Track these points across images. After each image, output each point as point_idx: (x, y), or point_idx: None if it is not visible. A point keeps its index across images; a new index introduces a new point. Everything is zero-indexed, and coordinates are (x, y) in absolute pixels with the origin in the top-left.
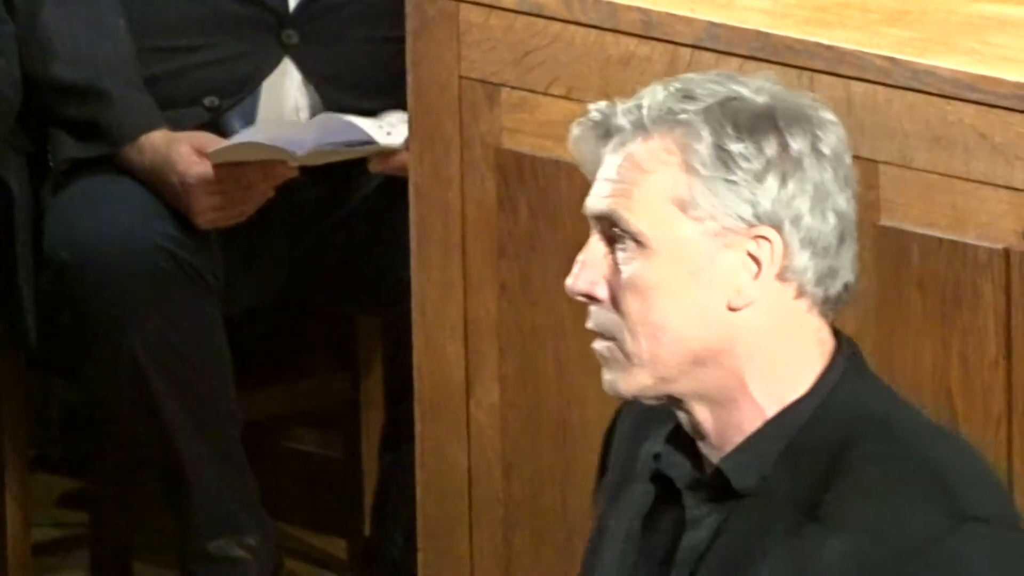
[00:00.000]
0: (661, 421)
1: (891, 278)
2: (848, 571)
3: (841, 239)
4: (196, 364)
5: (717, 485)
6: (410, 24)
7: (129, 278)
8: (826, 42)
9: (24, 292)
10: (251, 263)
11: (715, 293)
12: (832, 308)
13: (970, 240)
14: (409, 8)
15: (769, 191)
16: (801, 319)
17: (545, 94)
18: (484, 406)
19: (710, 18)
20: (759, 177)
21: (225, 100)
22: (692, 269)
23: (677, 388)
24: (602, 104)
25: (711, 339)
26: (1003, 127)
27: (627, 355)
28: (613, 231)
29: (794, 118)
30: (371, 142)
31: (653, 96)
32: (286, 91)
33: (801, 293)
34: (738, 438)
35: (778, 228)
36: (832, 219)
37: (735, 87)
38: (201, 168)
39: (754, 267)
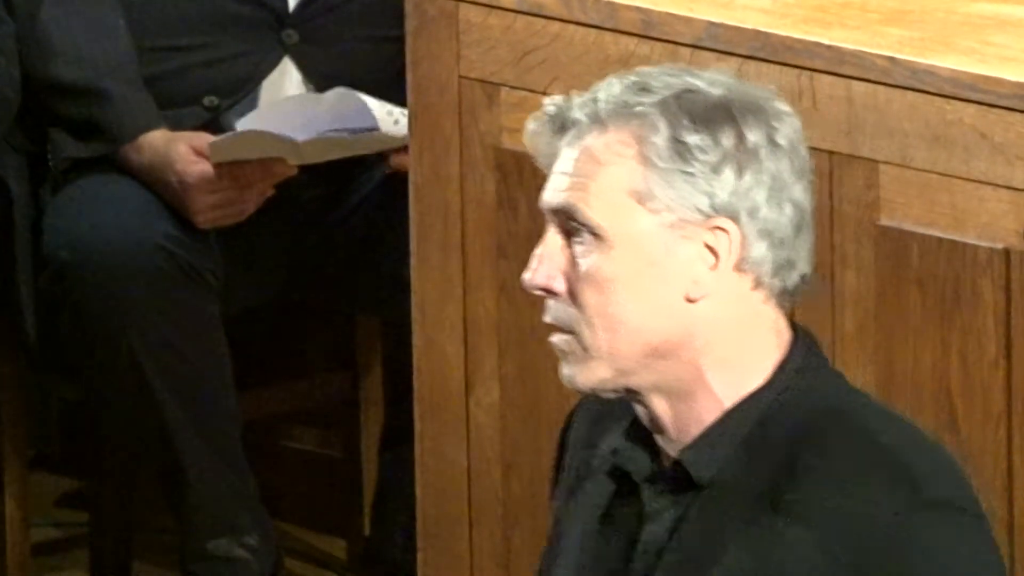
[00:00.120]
0: (618, 418)
1: (891, 278)
2: (810, 560)
3: (798, 230)
4: (196, 364)
5: (676, 477)
6: (409, 24)
7: (128, 278)
8: (826, 42)
9: (24, 292)
10: (251, 263)
11: (673, 285)
12: (789, 299)
13: (970, 240)
14: (408, 8)
15: (726, 182)
16: (758, 310)
17: (545, 94)
18: (484, 406)
19: (710, 18)
20: (716, 169)
21: (225, 100)
22: (650, 261)
23: (635, 381)
24: (558, 98)
25: (669, 331)
26: (1003, 127)
27: (585, 348)
28: (570, 224)
29: (750, 110)
30: (375, 128)
31: (609, 89)
32: (286, 91)
33: (758, 284)
34: (697, 430)
35: (735, 219)
36: (789, 210)
37: (690, 79)
38: (200, 167)
39: (711, 258)
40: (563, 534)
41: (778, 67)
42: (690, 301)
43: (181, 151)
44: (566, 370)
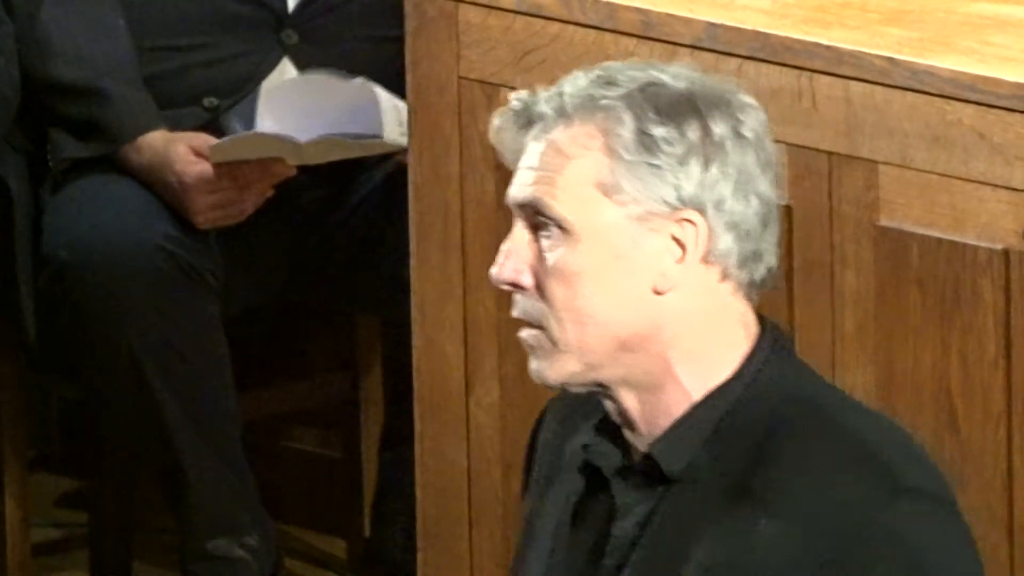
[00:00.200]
0: (588, 415)
1: (891, 278)
2: (783, 550)
3: (764, 222)
4: (195, 364)
5: (647, 471)
6: (409, 24)
7: (128, 278)
8: (825, 42)
9: (23, 292)
10: (250, 263)
11: (640, 277)
12: (756, 292)
13: (970, 240)
14: (408, 8)
15: (692, 175)
16: (726, 302)
17: None
18: (484, 406)
19: (709, 18)
20: (682, 161)
21: (224, 100)
22: (617, 254)
23: (604, 375)
24: (523, 93)
25: (637, 323)
26: (1002, 127)
27: (554, 342)
28: (537, 219)
29: (714, 103)
30: (378, 136)
31: (574, 83)
32: None
33: (725, 276)
34: (666, 423)
35: (702, 212)
36: (755, 202)
37: (655, 73)
38: (200, 168)
39: (678, 251)
40: (535, 532)
41: (778, 67)
42: (658, 293)
43: (181, 151)
44: (535, 364)
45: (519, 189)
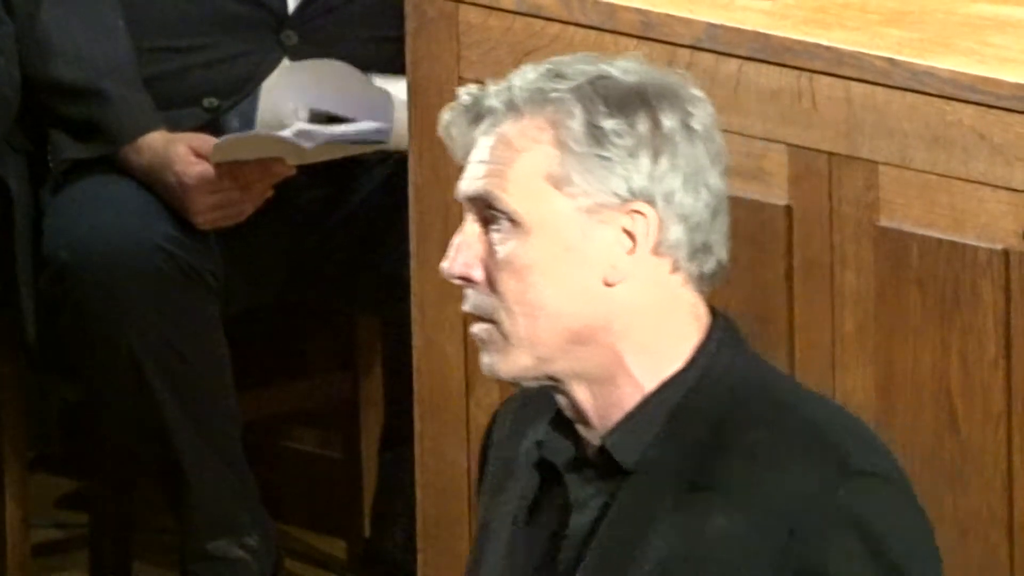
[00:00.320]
0: (541, 414)
1: (891, 278)
2: (740, 538)
3: (714, 214)
4: (195, 364)
5: (601, 464)
6: (409, 25)
7: (128, 278)
8: (825, 43)
9: (24, 292)
10: (250, 263)
11: (591, 269)
12: (707, 284)
13: (969, 240)
14: (408, 9)
15: (642, 167)
16: (677, 294)
17: None
18: (484, 406)
19: (709, 19)
20: (632, 153)
21: (224, 101)
22: (567, 246)
23: (556, 368)
24: (472, 87)
25: (588, 316)
26: (1002, 128)
27: (505, 336)
28: (488, 212)
29: (664, 95)
30: (383, 142)
31: (523, 76)
32: (286, 92)
33: (676, 268)
34: (619, 416)
35: (651, 203)
36: (705, 195)
37: (604, 67)
38: (200, 168)
39: (629, 243)
40: (491, 532)
41: (778, 68)
42: (608, 285)
43: (181, 152)
44: (487, 359)
45: (469, 183)
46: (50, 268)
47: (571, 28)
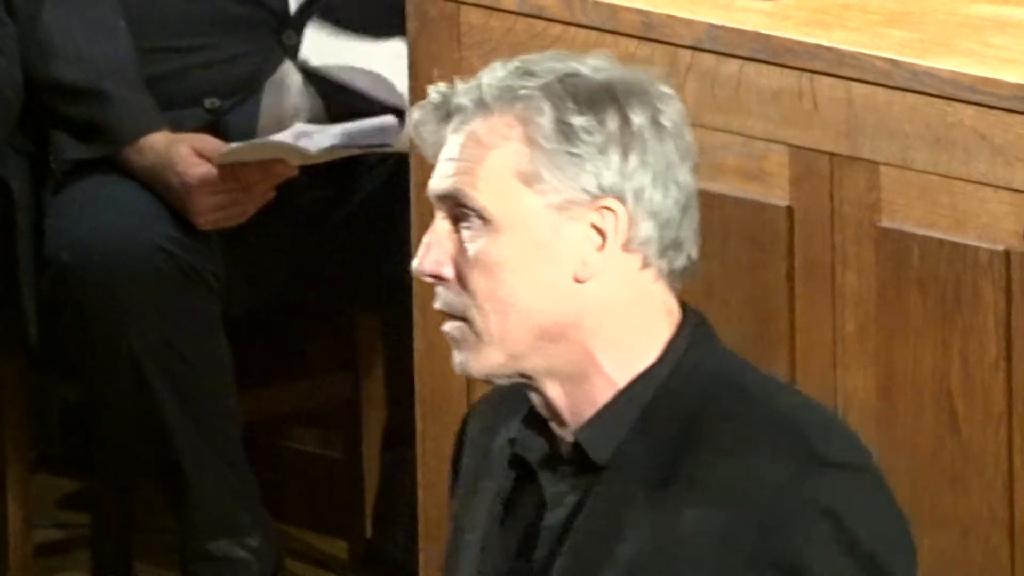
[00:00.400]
0: (514, 412)
1: (892, 279)
2: (712, 531)
3: (684, 211)
4: (196, 364)
5: (575, 460)
6: (410, 25)
7: (129, 279)
8: (826, 44)
9: (25, 293)
10: (252, 264)
11: (561, 266)
12: (678, 280)
13: (970, 241)
14: (409, 9)
15: (612, 164)
16: (648, 289)
17: None
18: None
19: (710, 20)
20: (602, 150)
21: (225, 101)
22: (537, 243)
23: (528, 365)
24: (442, 86)
25: (559, 312)
26: (1003, 128)
27: (477, 333)
28: (458, 210)
29: (633, 92)
30: (387, 145)
31: (492, 74)
32: (287, 92)
33: (646, 264)
34: (591, 412)
35: (621, 200)
36: (674, 191)
37: (574, 64)
38: (201, 169)
39: (599, 239)
40: (465, 531)
41: (779, 69)
42: (579, 282)
43: (182, 153)
44: (459, 357)
45: (439, 181)
46: (51, 268)
47: (572, 29)
